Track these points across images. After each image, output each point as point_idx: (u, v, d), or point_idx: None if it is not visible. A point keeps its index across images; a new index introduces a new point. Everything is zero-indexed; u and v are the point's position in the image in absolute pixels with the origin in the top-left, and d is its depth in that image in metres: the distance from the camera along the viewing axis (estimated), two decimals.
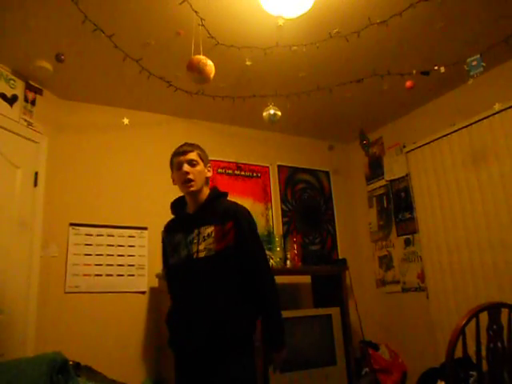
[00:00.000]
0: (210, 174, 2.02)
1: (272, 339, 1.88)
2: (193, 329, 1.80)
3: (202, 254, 1.83)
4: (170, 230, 2.04)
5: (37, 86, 3.17)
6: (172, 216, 2.13)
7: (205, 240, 1.84)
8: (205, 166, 1.99)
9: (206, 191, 1.99)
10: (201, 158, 1.98)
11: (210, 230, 1.85)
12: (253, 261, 1.89)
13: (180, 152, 1.95)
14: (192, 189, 1.91)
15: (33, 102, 3.14)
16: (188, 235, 1.89)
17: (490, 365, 1.74)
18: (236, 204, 2.00)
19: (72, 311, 3.11)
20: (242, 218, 1.91)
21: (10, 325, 2.72)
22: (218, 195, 2.02)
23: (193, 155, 1.95)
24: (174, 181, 2.01)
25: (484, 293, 3.14)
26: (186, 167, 1.91)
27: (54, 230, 3.20)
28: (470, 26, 2.76)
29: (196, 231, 1.87)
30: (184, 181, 1.91)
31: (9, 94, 2.96)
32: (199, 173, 1.94)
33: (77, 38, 2.66)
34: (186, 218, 1.99)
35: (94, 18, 2.42)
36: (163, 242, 2.10)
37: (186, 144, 2.00)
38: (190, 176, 1.90)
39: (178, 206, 2.06)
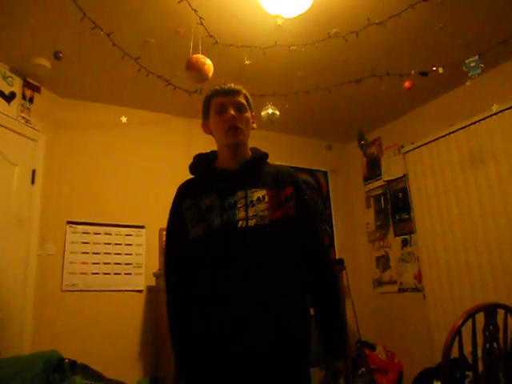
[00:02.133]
0: (255, 126, 1.62)
1: (334, 344, 1.48)
2: (249, 328, 1.34)
3: (251, 222, 1.40)
4: (190, 193, 1.52)
5: (35, 83, 3.16)
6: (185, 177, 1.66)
7: (254, 205, 1.42)
8: (251, 114, 1.59)
9: (248, 147, 1.60)
10: (248, 104, 1.57)
11: (261, 193, 1.45)
12: (315, 241, 1.52)
13: (225, 91, 1.52)
14: (239, 137, 1.50)
15: (31, 100, 3.13)
16: (227, 197, 1.44)
17: (486, 365, 1.74)
18: (290, 167, 1.65)
19: (69, 309, 3.11)
20: (304, 186, 1.56)
21: (6, 323, 2.71)
22: (264, 155, 1.64)
23: (241, 97, 1.54)
24: (206, 128, 1.59)
25: (480, 293, 3.15)
26: (232, 111, 1.48)
27: (51, 228, 3.19)
28: (469, 27, 2.76)
29: (241, 193, 1.44)
30: (229, 127, 1.48)
31: (6, 92, 2.95)
32: (247, 120, 1.54)
33: (75, 35, 2.65)
34: (221, 175, 1.52)
35: (93, 15, 2.41)
36: (176, 210, 1.54)
37: (229, 83, 1.55)
38: (238, 122, 1.49)
39: (201, 163, 1.61)
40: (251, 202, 1.43)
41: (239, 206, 1.43)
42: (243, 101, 1.55)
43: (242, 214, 1.41)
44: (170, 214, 1.58)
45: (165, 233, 1.61)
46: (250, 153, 1.60)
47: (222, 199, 1.44)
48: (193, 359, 1.42)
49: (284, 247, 1.44)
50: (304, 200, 1.53)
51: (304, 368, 1.46)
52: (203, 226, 1.44)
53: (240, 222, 1.40)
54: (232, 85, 1.54)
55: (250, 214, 1.41)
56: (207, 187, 1.49)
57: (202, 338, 1.40)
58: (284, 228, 1.45)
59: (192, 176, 1.64)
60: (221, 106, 1.51)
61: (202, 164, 1.60)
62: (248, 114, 1.55)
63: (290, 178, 1.55)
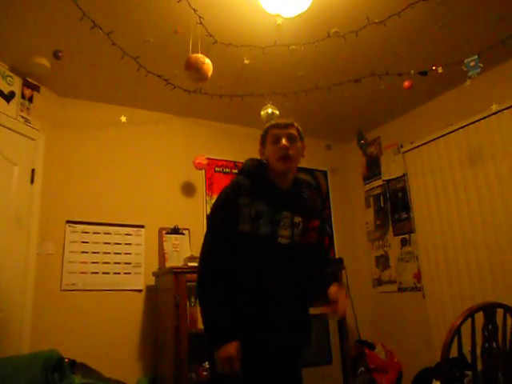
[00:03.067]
0: (304, 155, 1.85)
1: (332, 271, 1.88)
2: (282, 324, 1.66)
3: (288, 241, 1.69)
4: (245, 192, 1.72)
5: (34, 82, 3.15)
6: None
7: (294, 228, 1.71)
8: (302, 144, 1.83)
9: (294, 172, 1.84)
10: (299, 135, 1.81)
11: (299, 220, 1.73)
12: (326, 257, 1.95)
13: (280, 125, 1.78)
14: (290, 165, 1.74)
15: (30, 99, 3.13)
16: (275, 212, 1.69)
17: (485, 364, 1.74)
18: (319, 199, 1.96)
19: (68, 309, 3.10)
20: (325, 221, 1.89)
21: (5, 322, 2.71)
22: (302, 181, 1.89)
23: (293, 130, 1.79)
24: (262, 155, 1.83)
25: (480, 293, 3.15)
26: (285, 141, 1.73)
27: (51, 228, 3.19)
28: (468, 26, 2.77)
29: (285, 213, 1.71)
30: (282, 156, 1.72)
31: (6, 91, 2.95)
32: (297, 150, 1.78)
33: (75, 35, 2.65)
34: (273, 191, 1.75)
35: (92, 15, 2.41)
36: (231, 202, 1.71)
37: (283, 118, 1.84)
38: (290, 152, 1.73)
39: (257, 168, 1.81)
40: (293, 224, 1.71)
41: (282, 224, 1.69)
42: (295, 132, 1.79)
43: (284, 232, 1.69)
44: (225, 203, 1.74)
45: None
46: (293, 176, 1.83)
47: (270, 212, 1.69)
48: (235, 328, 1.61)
49: (304, 266, 1.75)
50: (325, 231, 1.88)
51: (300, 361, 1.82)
52: (250, 226, 1.66)
53: (280, 238, 1.68)
54: (285, 120, 1.80)
55: (289, 233, 1.70)
56: (260, 194, 1.71)
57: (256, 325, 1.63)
58: (306, 252, 1.75)
59: (242, 176, 1.82)
60: (276, 137, 1.76)
61: (258, 170, 1.81)
62: (299, 144, 1.80)
63: (317, 212, 1.85)
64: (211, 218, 1.82)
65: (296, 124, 1.82)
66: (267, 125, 1.83)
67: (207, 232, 1.77)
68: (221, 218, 1.73)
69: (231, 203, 1.70)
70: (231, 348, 1.55)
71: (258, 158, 1.86)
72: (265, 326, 1.63)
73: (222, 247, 1.69)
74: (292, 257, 1.70)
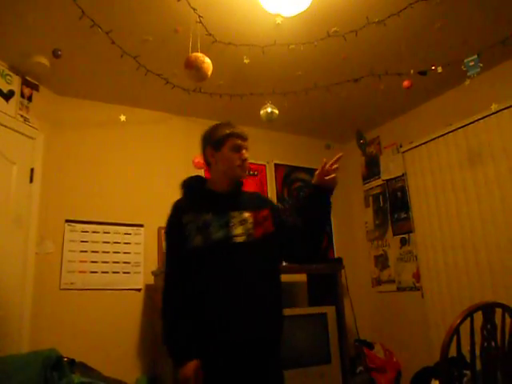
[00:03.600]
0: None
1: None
2: (243, 319, 1.66)
3: (241, 239, 1.72)
4: (189, 209, 1.79)
5: (33, 81, 3.15)
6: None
7: (243, 224, 1.75)
8: None
9: None
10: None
11: (247, 215, 1.78)
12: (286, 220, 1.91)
13: (243, 136, 1.88)
14: (245, 174, 1.87)
15: (29, 98, 3.13)
16: (222, 216, 1.75)
17: (484, 364, 1.75)
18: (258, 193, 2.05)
19: (67, 308, 3.10)
20: (275, 204, 1.95)
21: (4, 321, 2.71)
22: (241, 184, 1.97)
23: (248, 144, 1.90)
24: (211, 157, 1.87)
25: (478, 292, 3.15)
26: (246, 153, 1.85)
27: (50, 227, 3.19)
28: (468, 26, 2.77)
29: (232, 213, 1.76)
30: (241, 165, 1.82)
31: (5, 90, 2.94)
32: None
33: (74, 33, 2.65)
34: (214, 197, 1.83)
35: (92, 13, 2.41)
36: (175, 224, 1.80)
37: (239, 127, 1.94)
38: (247, 164, 1.86)
39: (194, 185, 1.91)
40: (240, 221, 1.75)
41: (232, 224, 1.73)
42: (247, 145, 1.89)
43: (234, 232, 1.72)
44: (170, 227, 1.83)
45: (164, 234, 1.90)
46: None
47: (217, 218, 1.74)
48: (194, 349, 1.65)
49: (266, 258, 1.77)
50: (278, 211, 1.92)
51: (274, 365, 1.75)
52: (202, 238, 1.71)
53: (234, 238, 1.71)
54: (245, 133, 1.91)
55: (241, 231, 1.73)
56: (203, 206, 1.78)
57: (210, 328, 1.66)
58: (265, 242, 1.77)
59: (182, 195, 1.92)
60: (237, 146, 1.83)
61: (195, 187, 1.90)
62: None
63: (263, 201, 1.92)
64: (165, 242, 1.88)
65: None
66: (227, 131, 1.87)
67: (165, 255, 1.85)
68: (171, 241, 1.82)
69: (175, 225, 1.78)
70: (188, 369, 1.60)
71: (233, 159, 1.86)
72: (232, 324, 1.65)
73: (178, 266, 1.75)
74: (251, 252, 1.74)
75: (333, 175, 1.76)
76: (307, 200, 1.84)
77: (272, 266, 1.81)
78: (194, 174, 1.97)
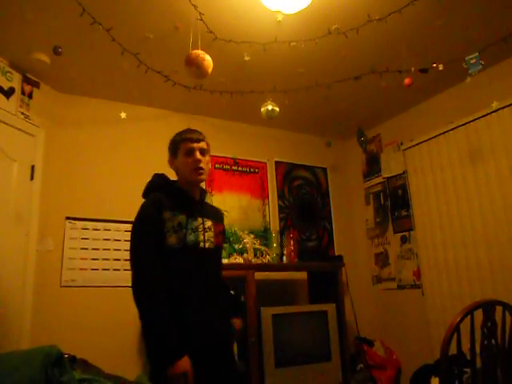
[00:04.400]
0: (210, 167, 2.04)
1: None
2: (215, 323, 1.81)
3: (207, 245, 1.85)
4: (167, 207, 1.79)
5: (34, 78, 3.15)
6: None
7: (207, 232, 1.86)
8: (209, 157, 2.00)
9: None
10: (208, 149, 1.97)
11: (209, 223, 1.89)
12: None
13: (193, 138, 1.89)
14: (202, 177, 1.89)
15: (30, 95, 3.12)
16: (192, 221, 1.82)
17: (484, 362, 1.75)
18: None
19: (68, 305, 3.11)
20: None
21: (5, 318, 2.72)
22: (205, 193, 2.06)
23: (204, 144, 1.93)
24: (172, 164, 1.95)
25: (479, 290, 3.15)
26: (198, 155, 1.87)
27: (51, 224, 3.19)
28: (469, 24, 2.76)
29: (200, 219, 1.85)
30: (195, 168, 1.86)
31: (5, 87, 2.94)
32: (207, 163, 1.95)
33: (75, 31, 2.64)
34: (186, 200, 1.88)
35: (92, 10, 2.41)
36: (156, 218, 1.78)
37: (194, 131, 1.95)
38: (202, 165, 1.88)
39: (169, 183, 1.93)
40: (205, 228, 1.85)
41: (199, 230, 1.82)
42: (205, 146, 1.93)
43: (201, 237, 1.82)
44: (150, 219, 1.79)
45: (135, 237, 1.91)
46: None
47: (188, 221, 1.80)
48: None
49: (219, 266, 2.00)
50: (224, 237, 2.08)
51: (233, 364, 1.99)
52: (176, 238, 1.76)
53: (201, 243, 1.82)
54: (197, 134, 1.92)
55: (206, 238, 1.84)
56: (178, 206, 1.82)
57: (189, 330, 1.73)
58: (218, 253, 1.98)
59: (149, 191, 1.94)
60: (188, 150, 1.87)
61: (171, 185, 1.91)
62: (208, 158, 1.95)
63: (221, 218, 2.05)
64: (137, 234, 1.85)
65: (205, 138, 1.95)
66: (178, 137, 1.92)
67: (135, 248, 1.86)
68: (151, 235, 1.77)
69: (156, 218, 1.77)
70: (185, 363, 1.59)
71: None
72: (205, 328, 1.76)
73: (155, 260, 1.75)
74: (213, 258, 1.89)
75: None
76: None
77: (220, 269, 2.02)
78: (159, 173, 1.99)
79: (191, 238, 1.78)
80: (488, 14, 2.67)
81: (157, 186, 1.91)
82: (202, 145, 1.91)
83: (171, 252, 1.75)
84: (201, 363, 1.67)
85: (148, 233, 1.78)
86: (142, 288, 1.77)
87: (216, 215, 2.01)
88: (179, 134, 1.94)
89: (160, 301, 1.68)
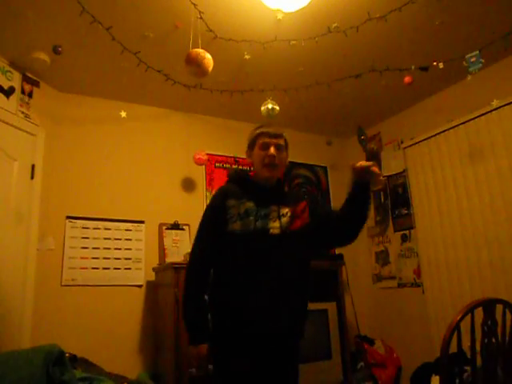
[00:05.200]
0: (287, 163, 2.00)
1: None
2: (276, 311, 1.71)
3: (279, 231, 1.77)
4: (232, 195, 1.85)
5: (34, 78, 3.15)
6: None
7: (281, 218, 1.80)
8: (287, 154, 1.96)
9: None
10: (286, 146, 1.94)
11: (286, 210, 1.83)
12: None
13: (270, 133, 1.88)
14: (273, 173, 1.87)
15: (30, 94, 3.12)
16: (262, 208, 1.80)
17: (484, 360, 1.75)
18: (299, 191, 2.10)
19: (68, 304, 3.11)
20: (312, 197, 2.01)
21: (6, 317, 2.72)
22: (281, 181, 2.02)
23: (281, 140, 1.90)
24: (249, 157, 1.98)
25: (479, 289, 3.15)
26: (273, 150, 1.85)
27: (51, 223, 3.19)
28: (469, 22, 2.76)
29: (273, 207, 1.82)
30: (268, 163, 1.85)
31: (5, 86, 2.94)
32: (283, 160, 1.92)
33: (74, 30, 2.64)
34: (259, 189, 1.88)
35: (92, 9, 2.40)
36: (218, 207, 1.83)
37: (274, 126, 1.95)
38: (276, 161, 1.86)
39: (239, 174, 2.01)
40: (280, 215, 1.81)
41: (271, 216, 1.79)
42: (283, 143, 1.91)
43: (273, 224, 1.78)
44: (211, 209, 1.88)
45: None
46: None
47: (258, 208, 1.79)
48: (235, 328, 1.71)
49: (301, 249, 1.83)
50: (316, 202, 1.99)
51: (293, 359, 1.85)
52: (241, 224, 1.76)
53: (271, 229, 1.77)
54: (276, 129, 1.91)
55: (279, 224, 1.78)
56: (247, 194, 1.84)
57: (239, 316, 1.70)
58: (302, 234, 1.83)
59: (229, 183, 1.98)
60: (264, 145, 1.87)
61: (242, 176, 2.00)
62: (285, 154, 1.92)
63: (301, 198, 1.95)
64: (200, 223, 1.90)
65: (285, 134, 1.93)
66: (258, 131, 1.92)
67: (195, 236, 1.87)
68: (209, 221, 1.85)
69: (219, 206, 1.83)
70: (203, 349, 1.72)
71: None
72: (261, 316, 1.69)
73: (208, 248, 1.81)
74: (285, 245, 1.78)
75: (380, 177, 1.73)
76: (352, 195, 1.81)
77: (305, 256, 1.86)
78: (238, 168, 2.03)
79: (257, 224, 1.76)
80: (488, 12, 2.66)
81: (230, 178, 2.00)
82: (279, 141, 1.89)
83: (234, 238, 1.76)
84: (257, 353, 1.71)
85: (207, 221, 1.87)
86: (185, 276, 1.84)
87: (296, 198, 1.94)
88: (258, 127, 1.95)
89: (194, 292, 1.78)
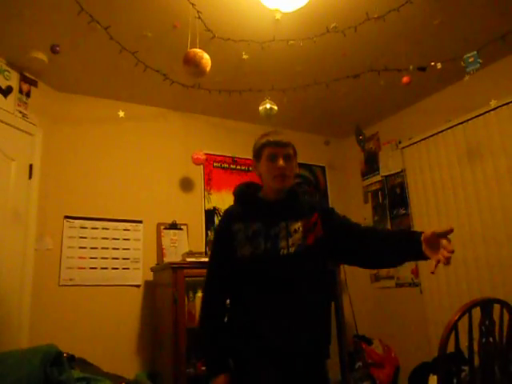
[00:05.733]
0: (297, 171, 1.88)
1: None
2: (290, 331, 1.62)
3: (291, 250, 1.67)
4: (238, 218, 1.76)
5: (32, 77, 3.14)
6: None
7: (291, 236, 1.69)
8: (296, 162, 1.85)
9: None
10: (294, 154, 1.83)
11: (297, 225, 1.72)
12: (353, 222, 1.83)
13: (278, 143, 1.75)
14: (285, 184, 1.75)
15: (27, 94, 3.12)
16: (271, 227, 1.70)
17: (482, 359, 1.75)
18: (322, 200, 1.97)
19: (66, 304, 3.11)
20: (331, 210, 1.85)
21: (3, 317, 2.72)
22: (301, 192, 1.90)
23: (290, 150, 1.78)
24: (255, 169, 1.85)
25: (477, 288, 3.16)
26: (282, 161, 1.73)
27: (49, 223, 3.19)
28: (468, 22, 2.76)
29: (282, 224, 1.71)
30: (279, 175, 1.72)
31: (3, 86, 2.94)
32: (293, 169, 1.80)
33: (72, 29, 2.64)
34: (266, 206, 1.78)
35: (90, 9, 2.40)
36: (224, 231, 1.77)
37: (280, 134, 1.81)
38: (287, 172, 1.74)
39: (247, 193, 1.85)
40: (289, 232, 1.69)
41: (281, 235, 1.68)
42: (291, 152, 1.79)
43: (283, 243, 1.67)
44: (218, 234, 1.84)
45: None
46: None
47: (266, 228, 1.70)
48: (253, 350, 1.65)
49: (317, 265, 1.73)
50: (331, 216, 1.81)
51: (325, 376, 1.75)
52: (250, 248, 1.68)
53: (282, 250, 1.66)
54: (283, 137, 1.78)
55: (290, 243, 1.68)
56: (253, 215, 1.74)
57: (255, 339, 1.64)
58: (316, 249, 1.71)
59: (235, 203, 1.87)
60: (272, 156, 1.74)
61: (247, 194, 1.84)
62: (294, 163, 1.81)
63: (317, 206, 1.82)
64: (211, 250, 1.88)
65: (292, 143, 1.82)
66: (263, 140, 1.79)
67: (207, 265, 1.83)
68: (217, 248, 1.80)
69: (225, 231, 1.76)
70: (221, 379, 1.64)
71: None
72: (273, 339, 1.62)
73: (220, 276, 1.76)
74: (298, 264, 1.68)
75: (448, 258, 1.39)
76: (406, 248, 1.59)
77: (322, 271, 1.77)
78: (248, 181, 1.92)
79: (268, 245, 1.67)
80: (486, 13, 2.67)
81: (237, 198, 1.87)
82: (288, 150, 1.77)
83: (244, 262, 1.69)
84: (278, 374, 1.63)
85: (215, 249, 1.82)
86: (202, 300, 1.81)
87: (310, 209, 1.79)
88: (263, 136, 1.81)
89: (208, 324, 1.75)
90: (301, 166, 4.40)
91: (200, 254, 3.23)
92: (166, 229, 3.58)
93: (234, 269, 1.70)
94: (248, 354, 1.66)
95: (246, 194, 1.84)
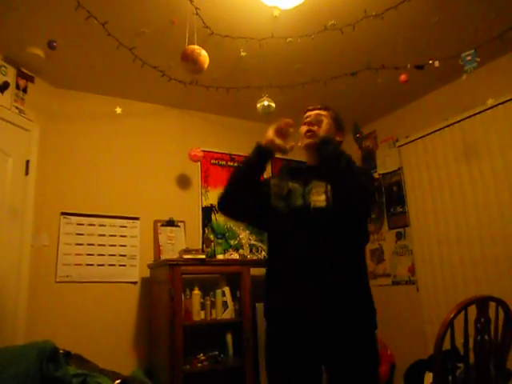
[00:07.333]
0: (338, 139, 1.90)
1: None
2: (319, 289, 1.64)
3: (321, 204, 1.70)
4: (277, 177, 1.98)
5: (28, 73, 3.12)
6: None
7: (325, 192, 1.72)
8: (336, 129, 1.90)
9: None
10: (332, 119, 1.90)
11: (322, 183, 1.75)
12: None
13: (309, 108, 1.97)
14: (310, 140, 1.86)
15: (24, 90, 3.10)
16: (306, 185, 1.79)
17: (477, 357, 1.76)
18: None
19: (63, 301, 3.11)
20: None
21: (0, 314, 2.71)
22: None
23: (323, 112, 1.91)
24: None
25: (473, 286, 3.17)
26: (309, 119, 1.92)
27: (45, 219, 3.18)
28: (465, 21, 2.76)
29: (318, 183, 1.76)
30: (306, 131, 1.90)
31: (0, 81, 2.92)
32: (324, 125, 1.85)
33: (69, 25, 2.62)
34: (305, 170, 1.91)
35: (87, 4, 2.39)
36: (265, 181, 1.98)
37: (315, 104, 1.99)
38: (313, 128, 1.86)
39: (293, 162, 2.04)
40: (327, 190, 1.73)
41: (314, 191, 1.75)
42: (324, 114, 1.90)
43: (315, 198, 1.73)
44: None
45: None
46: None
47: (302, 187, 1.79)
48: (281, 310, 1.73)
49: (349, 224, 1.73)
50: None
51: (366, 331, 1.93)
52: (283, 204, 1.78)
53: (312, 203, 1.72)
54: (318, 105, 1.96)
55: (325, 197, 1.71)
56: (293, 176, 1.89)
57: (284, 298, 1.70)
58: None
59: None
60: (305, 117, 1.95)
61: (292, 162, 2.07)
62: (325, 124, 1.84)
63: None
64: None
65: (331, 112, 1.92)
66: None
67: None
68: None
69: (265, 181, 1.97)
70: (269, 133, 1.91)
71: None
72: (300, 295, 1.65)
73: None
74: (330, 218, 1.68)
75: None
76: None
77: (353, 233, 1.77)
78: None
79: (298, 202, 1.75)
80: (484, 11, 2.67)
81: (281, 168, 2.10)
82: (317, 112, 1.92)
83: (276, 212, 1.78)
84: (301, 343, 1.68)
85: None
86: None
87: None
88: None
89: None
90: (298, 163, 4.39)
91: (197, 251, 3.23)
92: (162, 226, 3.58)
93: (268, 220, 1.82)
94: (274, 312, 1.75)
95: (290, 163, 2.08)
